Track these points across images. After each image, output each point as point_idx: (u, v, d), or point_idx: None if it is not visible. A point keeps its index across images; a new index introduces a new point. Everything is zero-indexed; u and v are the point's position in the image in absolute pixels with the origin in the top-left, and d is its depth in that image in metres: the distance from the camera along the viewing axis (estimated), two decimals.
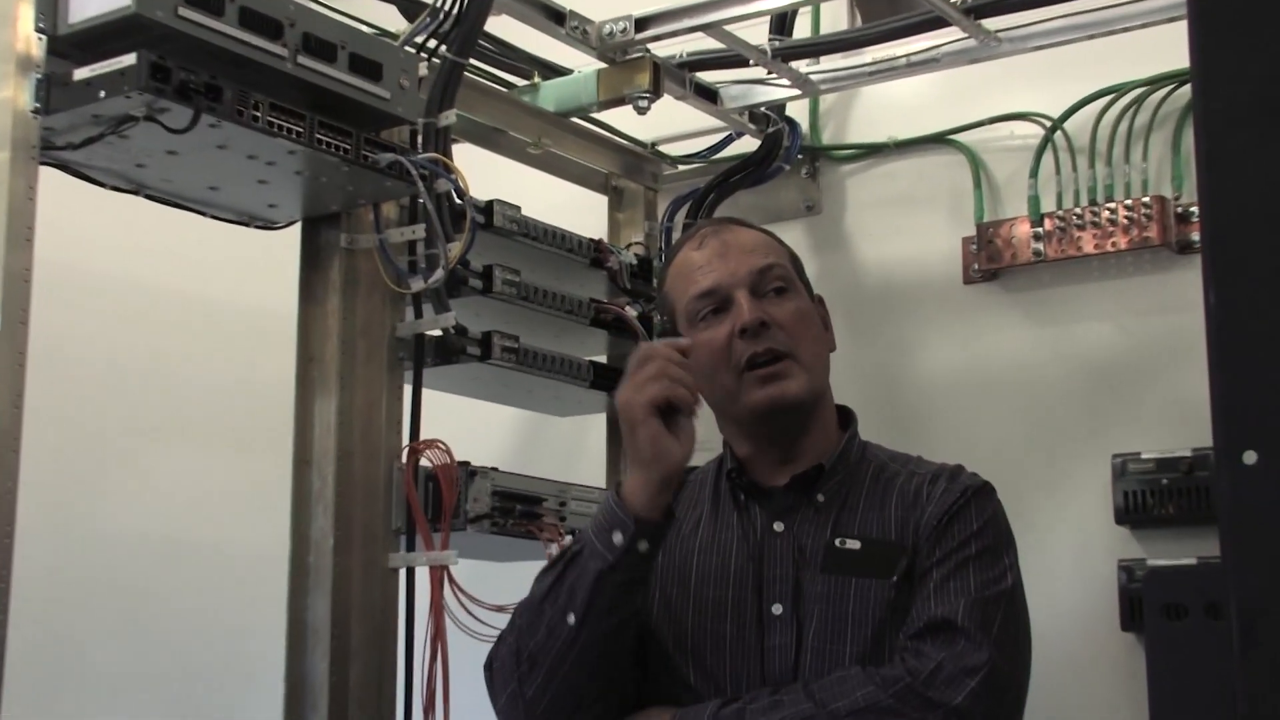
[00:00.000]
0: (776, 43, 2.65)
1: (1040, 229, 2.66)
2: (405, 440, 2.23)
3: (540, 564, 2.23)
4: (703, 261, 1.75)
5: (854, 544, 1.68)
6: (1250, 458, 0.98)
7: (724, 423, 1.79)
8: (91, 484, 2.90)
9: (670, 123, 2.92)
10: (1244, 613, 0.97)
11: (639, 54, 2.60)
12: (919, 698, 1.55)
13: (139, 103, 1.81)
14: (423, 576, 2.18)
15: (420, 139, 2.23)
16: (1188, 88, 2.51)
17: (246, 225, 2.25)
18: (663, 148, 3.00)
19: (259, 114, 1.91)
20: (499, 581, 2.26)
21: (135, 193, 2.10)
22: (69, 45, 1.89)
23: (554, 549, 2.27)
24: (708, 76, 2.76)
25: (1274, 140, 1.02)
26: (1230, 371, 1.00)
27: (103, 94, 1.81)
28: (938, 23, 2.52)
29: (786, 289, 1.75)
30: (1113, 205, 2.59)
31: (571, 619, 1.59)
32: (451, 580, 2.16)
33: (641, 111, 2.62)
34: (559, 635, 1.60)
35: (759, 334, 1.69)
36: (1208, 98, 1.06)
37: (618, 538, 1.57)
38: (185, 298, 3.03)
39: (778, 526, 1.71)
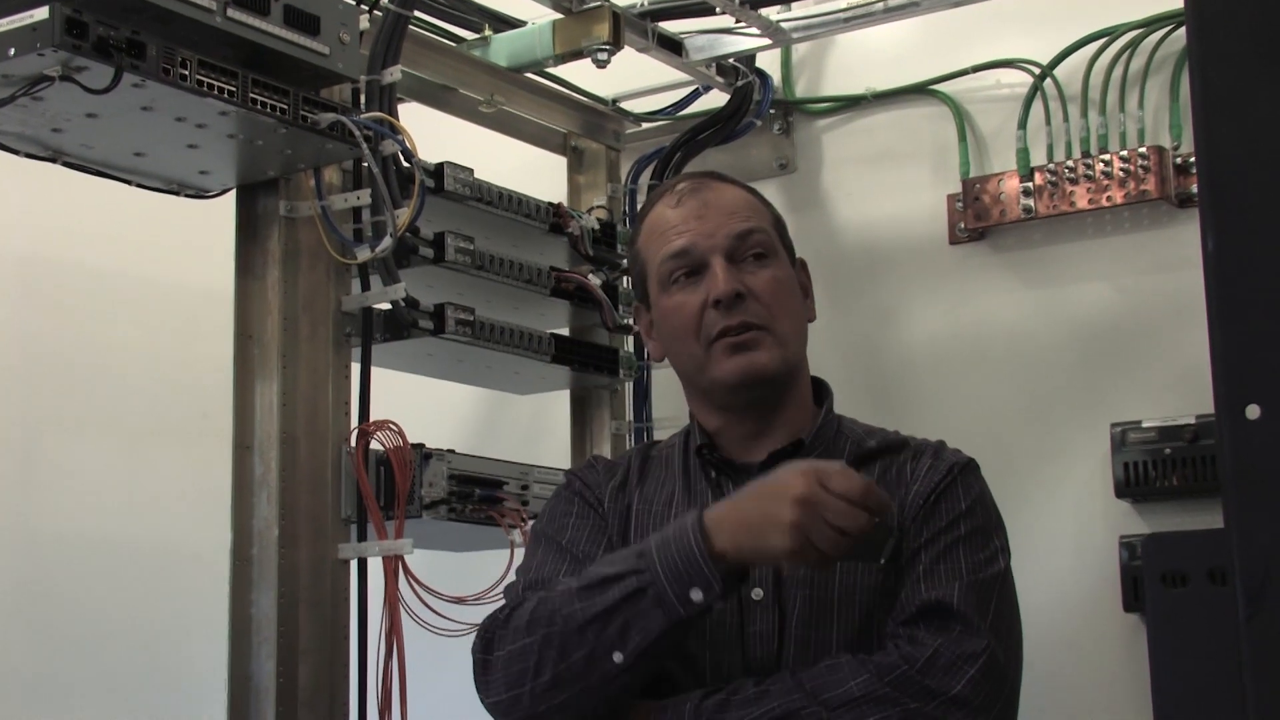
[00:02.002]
0: None
1: (1030, 184, 2.67)
2: (354, 422, 2.22)
3: (501, 552, 2.25)
4: (678, 220, 1.76)
5: None
6: (1254, 412, 0.99)
7: (691, 394, 1.80)
8: (13, 481, 2.88)
9: (632, 77, 2.91)
10: (1248, 576, 0.98)
11: (597, 3, 2.59)
12: (917, 686, 1.56)
13: (53, 61, 1.79)
14: (376, 568, 2.17)
15: (363, 98, 2.22)
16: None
17: (176, 194, 2.23)
18: (625, 104, 2.99)
19: (187, 72, 1.89)
20: (458, 572, 2.26)
21: (52, 160, 2.08)
22: None
23: (516, 535, 2.27)
24: (671, 26, 2.75)
25: (1272, 81, 1.04)
26: (1231, 321, 1.02)
27: (12, 51, 1.78)
28: None
29: (766, 255, 1.75)
30: (1107, 157, 2.61)
31: (618, 658, 1.56)
32: (407, 571, 2.15)
33: (601, 65, 2.61)
34: (599, 670, 1.58)
35: (733, 306, 1.71)
36: (1203, 37, 1.07)
37: (696, 595, 1.53)
38: (110, 276, 3.01)
39: None
